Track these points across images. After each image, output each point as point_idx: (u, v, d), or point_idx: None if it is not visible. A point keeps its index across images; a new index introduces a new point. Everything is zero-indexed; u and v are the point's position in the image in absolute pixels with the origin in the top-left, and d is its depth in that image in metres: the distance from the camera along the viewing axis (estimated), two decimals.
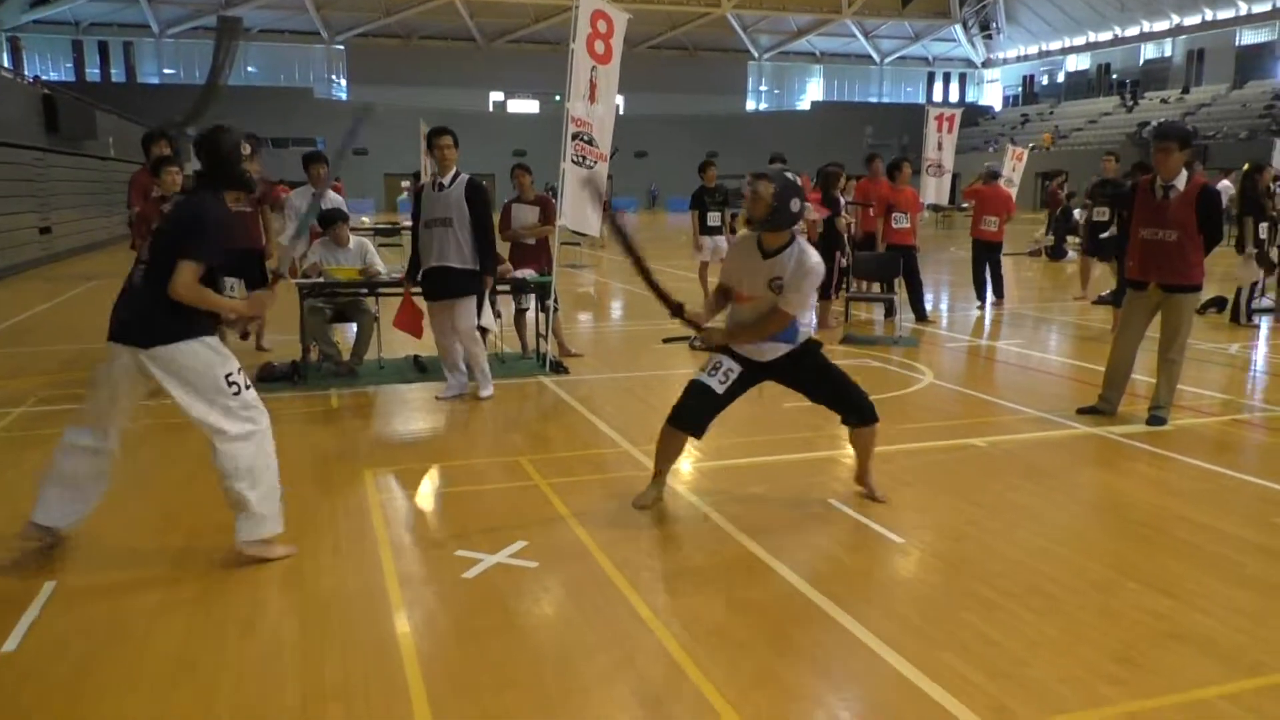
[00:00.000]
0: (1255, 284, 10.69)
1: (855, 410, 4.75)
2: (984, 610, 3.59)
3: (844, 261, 10.57)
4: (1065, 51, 56.03)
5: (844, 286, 10.85)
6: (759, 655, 3.25)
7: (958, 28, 58.25)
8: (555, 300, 8.25)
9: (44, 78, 38.39)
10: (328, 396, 7.18)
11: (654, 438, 5.90)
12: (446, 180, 6.77)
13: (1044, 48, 57.34)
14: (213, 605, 3.65)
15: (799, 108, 60.12)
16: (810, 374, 4.70)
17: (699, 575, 3.98)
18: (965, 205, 20.96)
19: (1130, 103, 47.54)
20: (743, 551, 4.20)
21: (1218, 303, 11.15)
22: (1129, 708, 2.92)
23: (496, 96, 54.20)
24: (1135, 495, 4.98)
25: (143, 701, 3.00)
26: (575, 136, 8.07)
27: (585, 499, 4.86)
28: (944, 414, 6.71)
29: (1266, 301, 11.17)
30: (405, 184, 22.36)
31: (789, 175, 4.48)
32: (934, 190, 16.55)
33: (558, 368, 8.09)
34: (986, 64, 61.55)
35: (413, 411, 6.88)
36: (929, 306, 11.18)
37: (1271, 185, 10.52)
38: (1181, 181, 6.10)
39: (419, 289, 7.05)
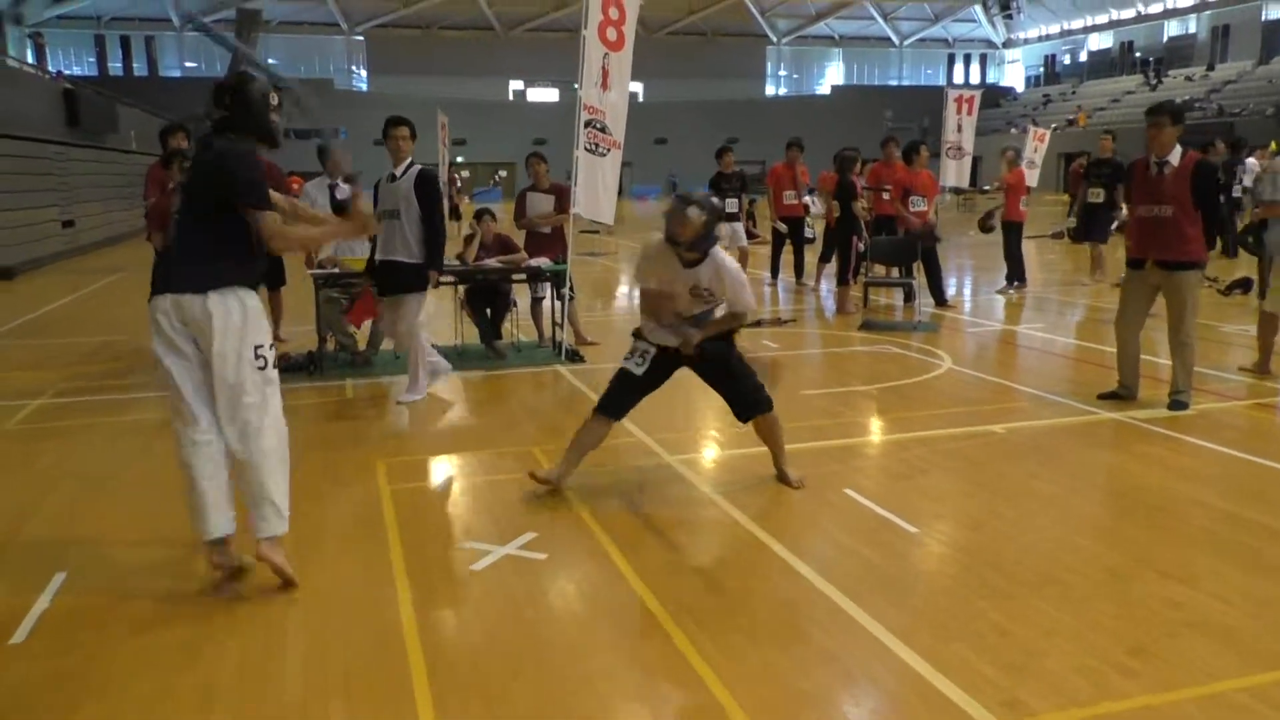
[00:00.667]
0: None
1: (750, 404, 4.86)
2: (998, 600, 3.54)
3: (861, 246, 10.47)
4: (1087, 30, 55.26)
5: (861, 271, 10.75)
6: (767, 648, 3.22)
7: (978, 8, 57.61)
8: (571, 288, 8.22)
9: (67, 72, 38.81)
10: (343, 387, 7.19)
11: (669, 427, 5.93)
12: (399, 171, 6.54)
13: (1066, 26, 56.60)
14: (220, 595, 3.66)
15: (818, 92, 59.71)
16: (716, 361, 4.83)
17: (709, 566, 3.95)
18: (987, 188, 20.74)
19: (1154, 81, 46.82)
20: (753, 541, 4.17)
21: (1244, 284, 10.97)
22: (1145, 701, 2.86)
23: (516, 85, 54.19)
24: (1154, 481, 4.90)
25: (146, 693, 3.00)
26: (589, 124, 8.02)
27: (597, 490, 4.83)
28: (962, 400, 6.63)
29: None
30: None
31: (715, 202, 4.74)
32: (954, 173, 16.35)
33: (573, 356, 8.07)
34: (1007, 44, 60.85)
35: (427, 402, 6.85)
36: (951, 292, 11.06)
37: None
38: (1176, 157, 6.07)
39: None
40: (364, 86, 53.20)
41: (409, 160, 6.56)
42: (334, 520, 4.46)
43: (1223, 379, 7.00)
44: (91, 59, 48.65)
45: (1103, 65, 53.72)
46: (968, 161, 16.60)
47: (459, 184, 23.08)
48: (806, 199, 13.06)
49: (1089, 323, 9.98)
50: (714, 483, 4.95)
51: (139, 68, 49.55)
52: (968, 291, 12.41)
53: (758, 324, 9.21)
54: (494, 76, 52.60)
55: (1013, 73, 61.38)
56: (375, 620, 3.46)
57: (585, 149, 8.02)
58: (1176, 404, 6.11)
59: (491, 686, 3.00)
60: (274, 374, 3.77)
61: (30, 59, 41.92)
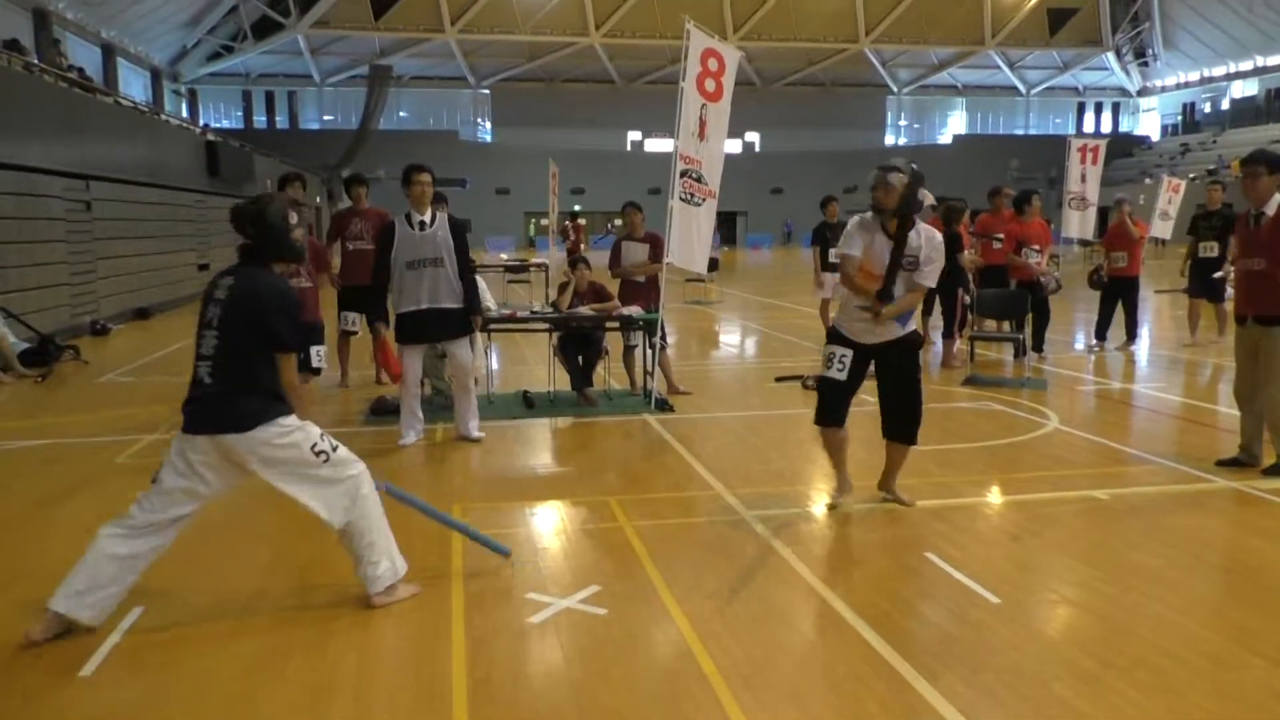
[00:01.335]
0: None
1: (903, 425, 5.09)
2: (1080, 684, 3.28)
3: (967, 299, 10.14)
4: (1230, 77, 52.82)
5: (967, 324, 10.40)
6: None
7: (1110, 56, 55.77)
8: (663, 337, 8.18)
9: (216, 125, 41.42)
10: (434, 430, 7.30)
11: (748, 480, 5.80)
12: (427, 219, 6.62)
13: (1206, 74, 54.25)
14: (280, 637, 3.70)
15: (939, 141, 58.74)
16: (904, 370, 5.04)
17: (773, 629, 3.79)
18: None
19: None
20: (823, 605, 3.99)
21: None
22: None
23: (634, 136, 55.14)
24: (1273, 559, 4.50)
25: None
26: (684, 174, 8.03)
27: (667, 543, 4.73)
28: (1066, 462, 6.27)
29: None
30: (567, 222, 23.20)
31: (915, 166, 4.94)
32: (1078, 224, 15.71)
33: (663, 405, 8.01)
34: (1142, 92, 58.68)
35: (513, 447, 6.90)
36: (1079, 346, 10.57)
37: None
38: (1273, 207, 5.78)
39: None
40: (488, 138, 54.97)
41: (430, 208, 6.69)
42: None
43: None
44: (239, 113, 51.84)
45: (1247, 113, 51.12)
46: (1092, 212, 15.92)
47: (576, 232, 23.42)
48: None
49: (1215, 383, 9.37)
50: (788, 540, 4.78)
51: (281, 120, 52.52)
52: (1079, 344, 11.82)
53: None
54: (613, 128, 53.69)
55: (1148, 121, 59.13)
56: (426, 670, 3.44)
57: (680, 198, 8.02)
58: (1276, 470, 5.72)
59: None
60: (341, 451, 3.86)
61: (184, 113, 44.96)
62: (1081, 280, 12.77)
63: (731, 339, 13.86)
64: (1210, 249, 11.31)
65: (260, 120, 51.97)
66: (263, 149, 30.82)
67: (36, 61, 18.43)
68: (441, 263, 6.59)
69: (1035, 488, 5.63)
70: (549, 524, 5.16)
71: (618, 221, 8.82)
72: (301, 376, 7.38)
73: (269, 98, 52.56)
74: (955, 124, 59.74)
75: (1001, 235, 10.43)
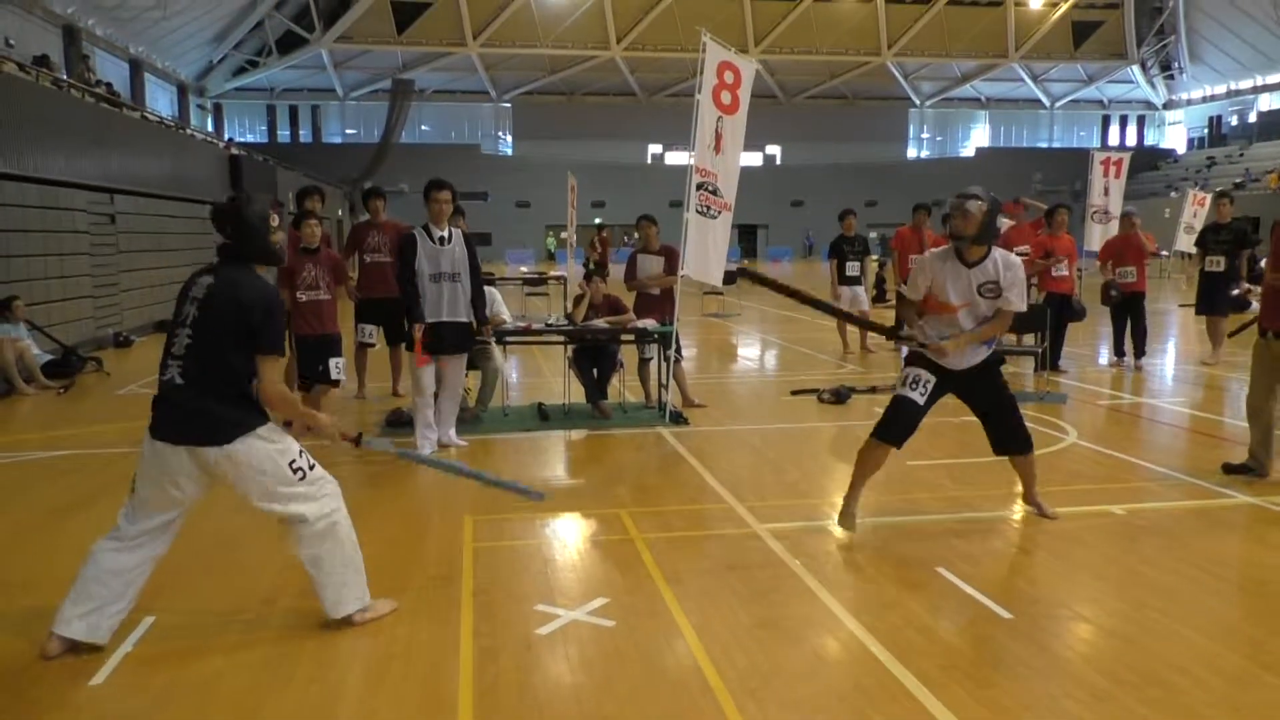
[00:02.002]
0: None
1: (1011, 437, 5.07)
2: (1091, 700, 3.24)
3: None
4: (1257, 90, 52.33)
5: None
6: None
7: (1135, 69, 55.40)
8: (677, 350, 8.19)
9: (240, 139, 41.86)
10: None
11: (762, 494, 5.78)
12: (446, 234, 6.82)
13: (1233, 86, 53.80)
14: (288, 646, 3.72)
15: (962, 154, 58.51)
16: (989, 389, 5.03)
17: (779, 641, 3.77)
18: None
19: None
20: (831, 618, 3.97)
21: None
22: None
23: (655, 149, 55.28)
24: None
25: None
26: (700, 187, 8.04)
27: (677, 556, 4.72)
28: (1082, 477, 6.22)
29: None
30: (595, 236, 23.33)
31: (993, 195, 4.87)
32: (1100, 237, 15.58)
33: (678, 418, 8.00)
34: (1168, 105, 58.22)
35: (528, 459, 6.92)
36: (1102, 360, 10.49)
37: None
38: None
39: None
40: (509, 151, 55.23)
41: (447, 224, 6.88)
42: (414, 574, 4.49)
43: None
44: (263, 127, 52.39)
45: (1274, 126, 50.59)
46: (1114, 226, 15.81)
47: (603, 245, 23.41)
48: None
49: (1236, 399, 9.25)
50: (799, 553, 4.75)
51: (304, 134, 53.02)
52: (1103, 359, 11.71)
53: (872, 390, 8.94)
54: (634, 140, 53.84)
55: (1174, 134, 58.64)
56: (433, 679, 3.44)
57: (696, 211, 8.03)
58: None
59: None
60: (317, 470, 3.72)
61: (210, 127, 45.49)
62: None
63: (749, 352, 13.84)
64: (1217, 264, 11.12)
65: (284, 134, 52.49)
66: (286, 163, 31.11)
67: (65, 77, 18.71)
68: (459, 278, 6.83)
69: (1051, 503, 5.55)
70: (559, 536, 5.16)
71: (637, 234, 8.83)
72: (320, 388, 7.54)
73: (293, 112, 53.07)
74: (978, 137, 59.45)
75: (1027, 248, 10.36)
